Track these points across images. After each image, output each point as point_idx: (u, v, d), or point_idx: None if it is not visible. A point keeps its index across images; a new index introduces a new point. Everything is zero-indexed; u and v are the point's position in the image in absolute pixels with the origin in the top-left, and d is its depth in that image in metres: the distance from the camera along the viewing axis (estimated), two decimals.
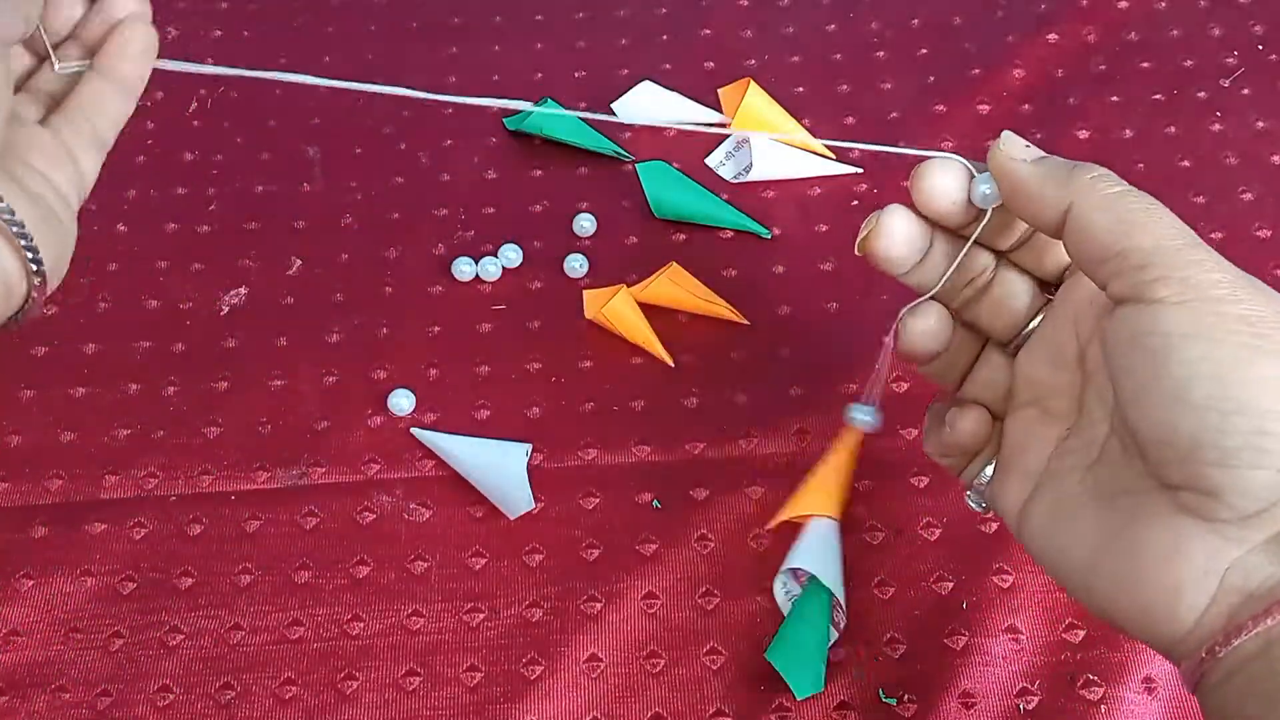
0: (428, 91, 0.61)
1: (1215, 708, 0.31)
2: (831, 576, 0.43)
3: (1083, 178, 0.34)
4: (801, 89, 0.61)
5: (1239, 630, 0.30)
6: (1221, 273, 0.32)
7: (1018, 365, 0.38)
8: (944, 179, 0.36)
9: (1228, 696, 0.30)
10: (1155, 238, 0.33)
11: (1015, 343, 0.38)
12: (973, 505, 0.40)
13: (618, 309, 0.51)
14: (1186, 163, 0.57)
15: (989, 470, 0.38)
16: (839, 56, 0.62)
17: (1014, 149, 0.35)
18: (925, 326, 0.37)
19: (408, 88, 0.62)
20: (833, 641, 0.43)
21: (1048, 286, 0.38)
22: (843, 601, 0.43)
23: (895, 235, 0.37)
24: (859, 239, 0.37)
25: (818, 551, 0.43)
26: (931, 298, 0.38)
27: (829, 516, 0.44)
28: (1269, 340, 0.30)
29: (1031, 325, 0.38)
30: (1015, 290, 0.38)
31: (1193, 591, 0.30)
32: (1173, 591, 0.31)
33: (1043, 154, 0.36)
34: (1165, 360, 0.31)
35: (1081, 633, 0.43)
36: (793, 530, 0.44)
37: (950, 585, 0.44)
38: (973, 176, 0.36)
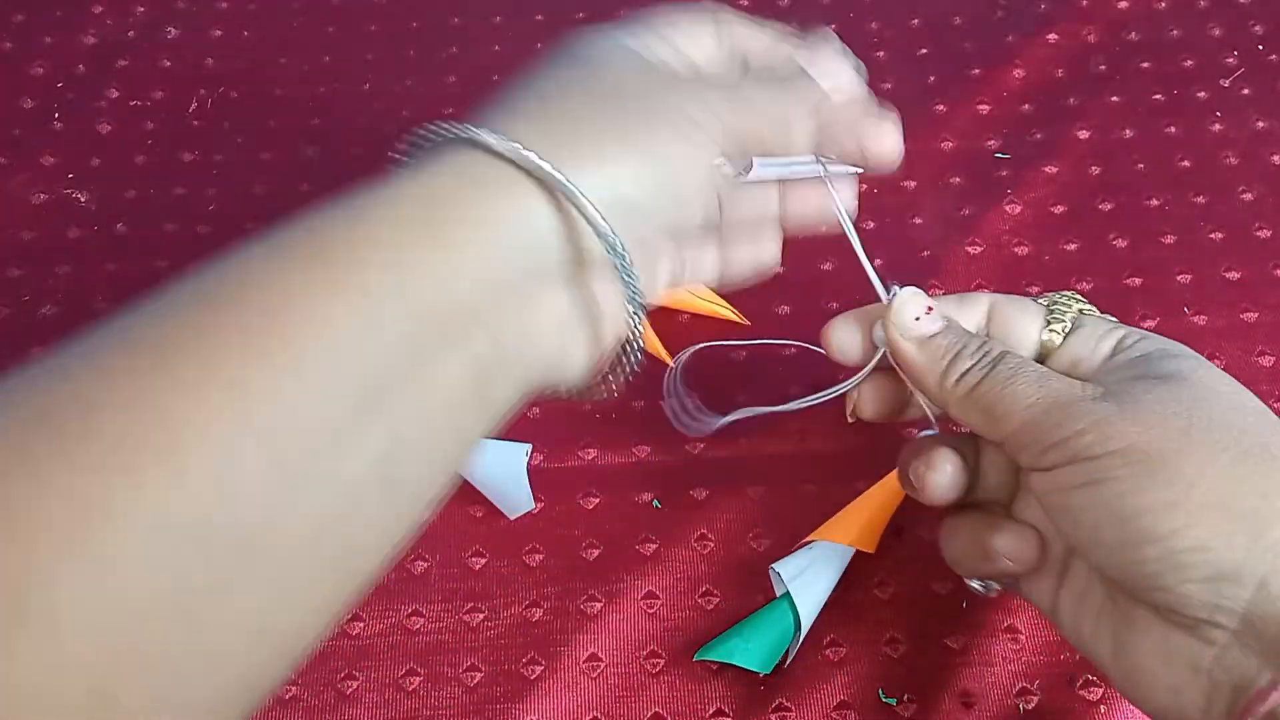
0: (429, 92, 0.61)
1: None
2: (810, 598, 0.42)
3: (949, 382, 0.36)
4: None
5: (1243, 716, 0.31)
6: (1090, 418, 0.33)
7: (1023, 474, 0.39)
8: (841, 336, 0.39)
9: None
10: (1017, 419, 0.34)
11: None
12: (978, 589, 0.40)
13: None
14: (1186, 163, 0.57)
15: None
16: None
17: (904, 319, 0.38)
18: (944, 479, 0.38)
19: (407, 88, 0.62)
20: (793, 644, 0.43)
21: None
22: (802, 632, 0.42)
23: (869, 406, 0.40)
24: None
25: (809, 569, 0.43)
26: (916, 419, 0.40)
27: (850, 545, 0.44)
28: (1142, 467, 0.32)
29: None
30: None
31: (1190, 691, 0.32)
32: (1175, 692, 0.32)
33: (935, 326, 0.37)
34: (1073, 516, 0.33)
35: None
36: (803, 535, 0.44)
37: (950, 585, 0.44)
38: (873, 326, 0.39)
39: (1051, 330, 0.38)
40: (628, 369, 0.34)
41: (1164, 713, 0.33)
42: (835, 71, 0.38)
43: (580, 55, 0.34)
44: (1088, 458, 0.33)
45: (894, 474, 0.43)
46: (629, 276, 0.32)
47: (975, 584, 0.40)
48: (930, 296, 0.38)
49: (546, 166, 0.30)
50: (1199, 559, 0.31)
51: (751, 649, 0.42)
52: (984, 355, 0.36)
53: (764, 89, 0.36)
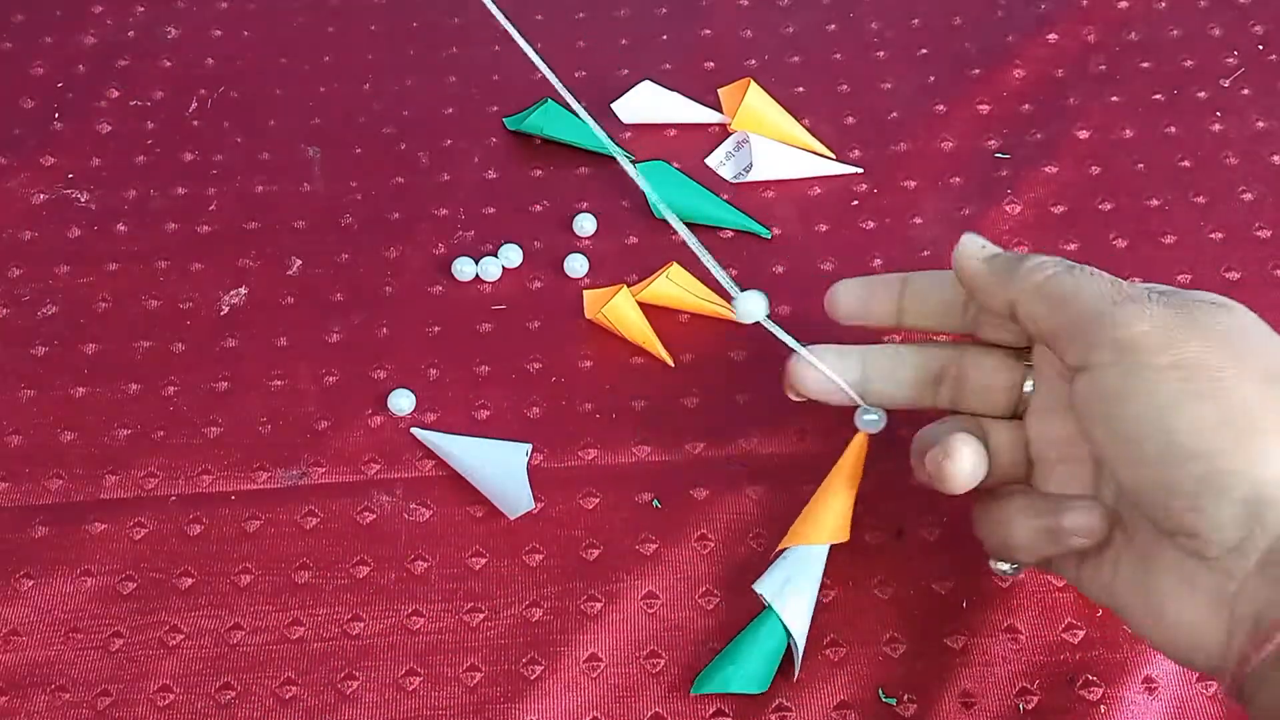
0: (429, 92, 0.61)
1: (1260, 710, 0.32)
2: (800, 609, 0.42)
3: (1019, 270, 0.37)
4: (801, 89, 0.61)
5: (1251, 655, 0.31)
6: (1149, 322, 0.34)
7: (1030, 431, 0.39)
8: (809, 375, 0.42)
9: (1269, 697, 0.31)
10: (1081, 308, 0.35)
11: (1019, 411, 0.40)
12: (1003, 571, 0.41)
13: (618, 309, 0.51)
14: (1186, 163, 0.57)
15: None
16: (839, 56, 0.62)
17: (971, 247, 0.39)
18: (965, 466, 0.38)
19: (407, 88, 0.62)
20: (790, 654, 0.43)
21: (1022, 352, 0.41)
22: (798, 646, 0.42)
23: (966, 468, 0.38)
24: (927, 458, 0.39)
25: (791, 582, 0.43)
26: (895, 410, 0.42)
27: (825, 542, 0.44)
28: (1197, 381, 0.32)
29: (1026, 389, 0.40)
30: (989, 366, 0.40)
31: (1212, 626, 0.32)
32: (1197, 627, 0.33)
33: (997, 251, 0.39)
34: (1114, 423, 0.33)
35: (1081, 633, 0.43)
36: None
37: (950, 585, 0.44)
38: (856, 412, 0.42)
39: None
40: None
41: (1188, 651, 0.33)
42: None
43: None
44: (1145, 362, 0.33)
45: (849, 459, 0.43)
46: None
47: (1004, 567, 0.41)
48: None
49: None
50: (1240, 481, 0.31)
51: (746, 673, 0.42)
52: (1053, 260, 0.37)
53: None
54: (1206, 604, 0.32)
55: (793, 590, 0.42)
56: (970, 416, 0.41)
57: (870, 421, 0.42)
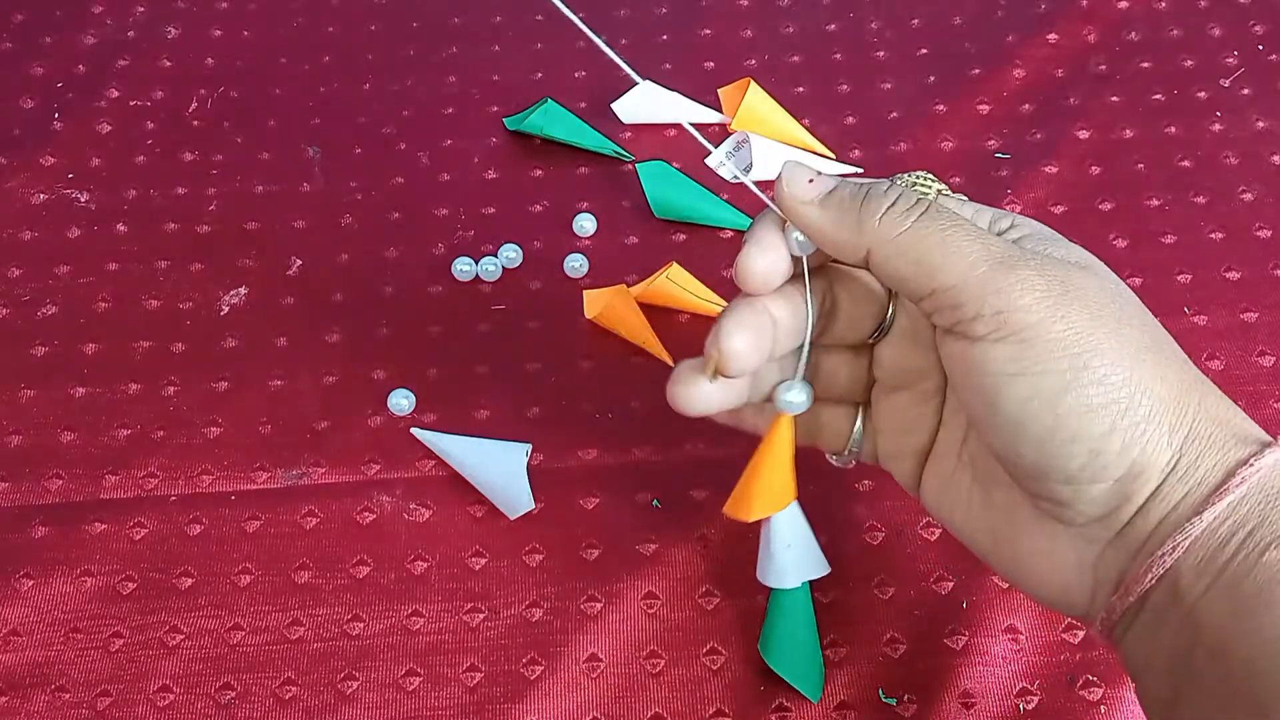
0: (429, 92, 0.61)
1: (1130, 650, 0.33)
2: (811, 561, 0.42)
3: (870, 221, 0.33)
4: (801, 89, 0.61)
5: (1116, 605, 0.33)
6: (1033, 293, 0.32)
7: (878, 354, 0.38)
8: (765, 262, 0.35)
9: (1138, 634, 0.33)
10: (958, 272, 0.32)
11: (873, 340, 0.38)
12: (833, 460, 0.41)
13: (618, 309, 0.51)
14: (1186, 163, 0.57)
15: (846, 449, 0.40)
16: (839, 56, 0.62)
17: (795, 187, 0.34)
18: (734, 351, 0.35)
19: (407, 88, 0.62)
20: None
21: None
22: (822, 561, 0.42)
23: (740, 355, 0.35)
24: (708, 368, 0.36)
25: (791, 553, 0.42)
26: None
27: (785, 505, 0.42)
28: (1087, 364, 0.31)
29: (888, 318, 0.38)
30: (861, 297, 0.37)
31: (1076, 587, 0.34)
32: (1060, 587, 0.34)
33: (830, 184, 0.34)
34: (997, 398, 0.32)
35: (1081, 633, 0.43)
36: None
37: (950, 585, 0.44)
38: (784, 227, 0.35)
39: (919, 189, 0.38)
40: None
41: (1054, 602, 0.35)
42: None
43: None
44: (1028, 339, 0.31)
45: (777, 442, 0.39)
46: None
47: (831, 458, 0.41)
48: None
49: None
50: (1119, 462, 0.31)
51: (799, 668, 0.42)
52: (905, 192, 0.34)
53: None
54: (1071, 566, 0.34)
55: (794, 558, 0.42)
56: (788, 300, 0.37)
57: (790, 403, 0.37)
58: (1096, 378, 0.31)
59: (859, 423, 0.40)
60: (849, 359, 0.39)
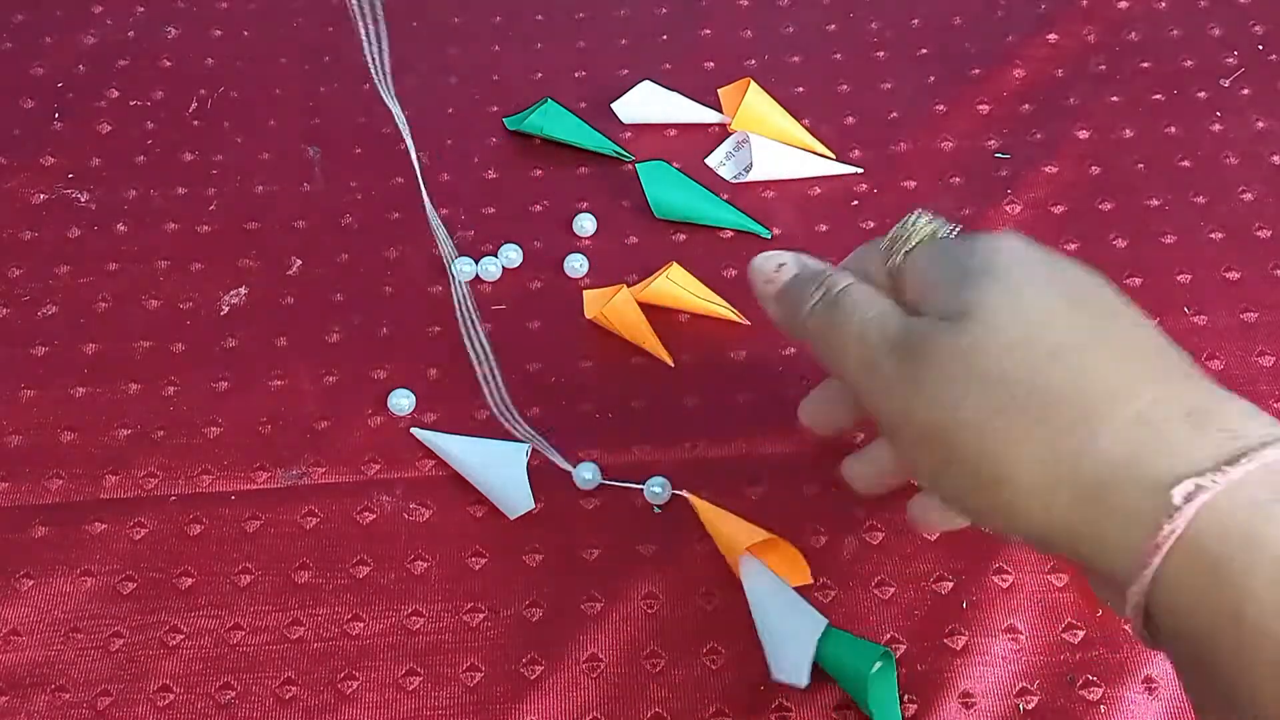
0: (429, 92, 0.61)
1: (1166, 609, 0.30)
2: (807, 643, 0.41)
3: (797, 322, 0.36)
4: (801, 89, 0.61)
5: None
6: (895, 400, 0.33)
7: None
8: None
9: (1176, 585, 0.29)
10: (849, 371, 0.35)
11: None
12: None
13: (618, 309, 0.51)
14: (1186, 163, 0.57)
15: None
16: (839, 56, 0.62)
17: (758, 282, 0.38)
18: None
19: (407, 88, 0.62)
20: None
21: None
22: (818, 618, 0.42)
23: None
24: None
25: (792, 640, 0.42)
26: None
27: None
28: (965, 466, 0.31)
29: None
30: None
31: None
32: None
33: (790, 274, 0.37)
34: (915, 471, 0.35)
35: (1081, 633, 0.43)
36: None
37: (950, 585, 0.44)
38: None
39: (890, 264, 0.37)
40: None
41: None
42: None
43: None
44: (903, 439, 0.33)
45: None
46: None
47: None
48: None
49: None
50: (1029, 521, 0.31)
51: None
52: (824, 291, 0.36)
53: None
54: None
55: (796, 639, 0.42)
56: None
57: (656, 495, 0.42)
58: (977, 482, 0.31)
59: None
60: None
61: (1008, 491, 0.31)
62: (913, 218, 0.38)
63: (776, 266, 0.37)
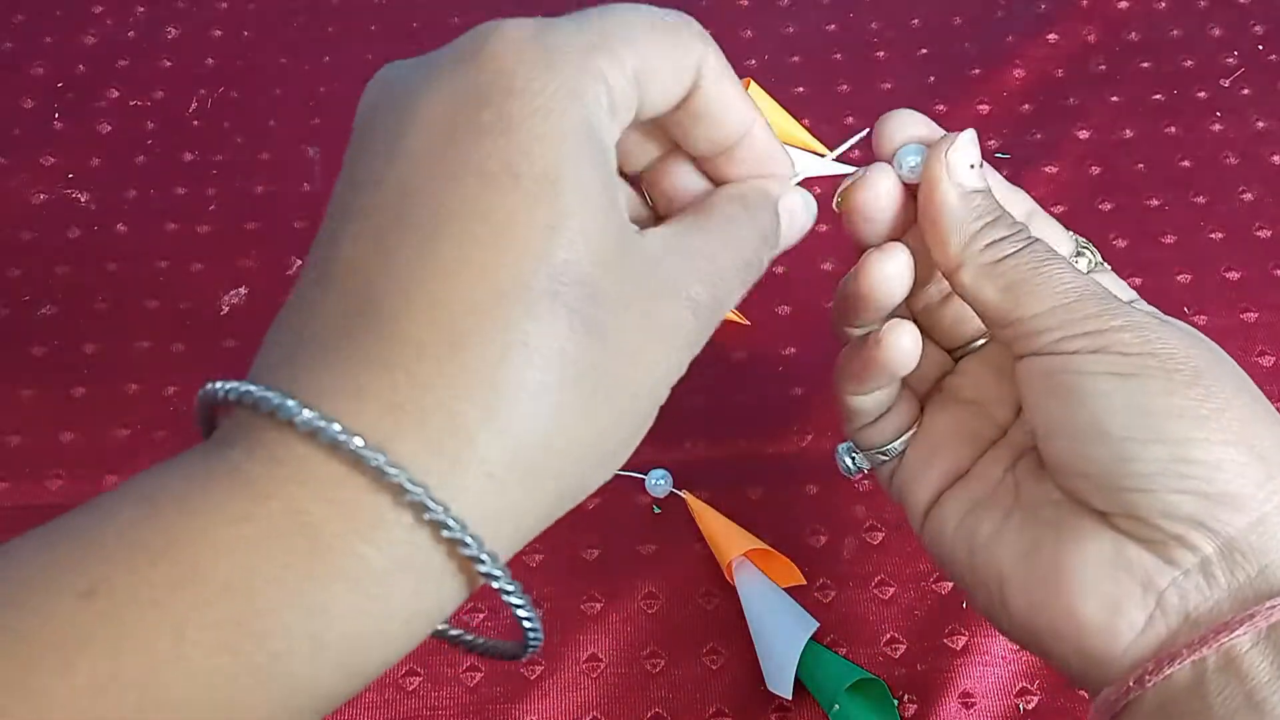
0: None
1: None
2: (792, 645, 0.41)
3: (978, 243, 0.32)
4: (801, 89, 0.61)
5: (1173, 658, 0.29)
6: (1125, 317, 0.31)
7: (963, 364, 0.37)
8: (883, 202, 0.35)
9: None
10: (1047, 301, 0.31)
11: (963, 351, 0.37)
12: (845, 465, 0.37)
13: None
14: (1186, 163, 0.57)
15: (892, 442, 0.36)
16: (839, 56, 0.62)
17: (958, 162, 0.33)
18: (893, 270, 0.33)
19: None
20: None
21: None
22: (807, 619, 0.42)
23: (881, 193, 0.34)
24: (840, 190, 0.35)
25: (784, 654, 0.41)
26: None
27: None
28: (1180, 372, 0.30)
29: (982, 341, 0.37)
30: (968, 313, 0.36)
31: (1132, 607, 0.30)
32: (1111, 606, 0.30)
33: (980, 183, 0.33)
34: (1080, 396, 0.31)
35: None
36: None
37: (950, 585, 0.44)
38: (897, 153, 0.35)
39: (1078, 260, 0.35)
40: (533, 645, 0.29)
41: (1083, 622, 0.30)
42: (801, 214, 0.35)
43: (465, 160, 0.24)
44: (1121, 352, 0.30)
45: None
46: (510, 590, 0.26)
47: (846, 457, 0.37)
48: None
49: (400, 478, 0.22)
50: (1209, 473, 0.29)
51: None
52: (1020, 231, 0.33)
53: (742, 261, 0.30)
54: (1133, 584, 0.30)
55: (783, 648, 0.41)
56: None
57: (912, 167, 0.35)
58: (1187, 389, 0.30)
59: (905, 425, 0.36)
60: (934, 357, 0.37)
61: (1223, 445, 0.30)
62: (1090, 244, 0.36)
63: (977, 162, 0.33)
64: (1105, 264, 0.37)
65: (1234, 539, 0.29)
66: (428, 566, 0.23)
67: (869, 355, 0.33)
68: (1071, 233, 0.36)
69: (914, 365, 0.33)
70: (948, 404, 0.36)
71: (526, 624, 0.27)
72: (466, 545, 0.23)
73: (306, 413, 0.22)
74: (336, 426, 0.22)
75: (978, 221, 0.33)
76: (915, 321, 0.34)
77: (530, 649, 0.28)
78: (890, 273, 0.33)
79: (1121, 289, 0.35)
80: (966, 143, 0.33)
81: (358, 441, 0.22)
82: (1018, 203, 0.35)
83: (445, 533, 0.23)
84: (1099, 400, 0.30)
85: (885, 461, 0.36)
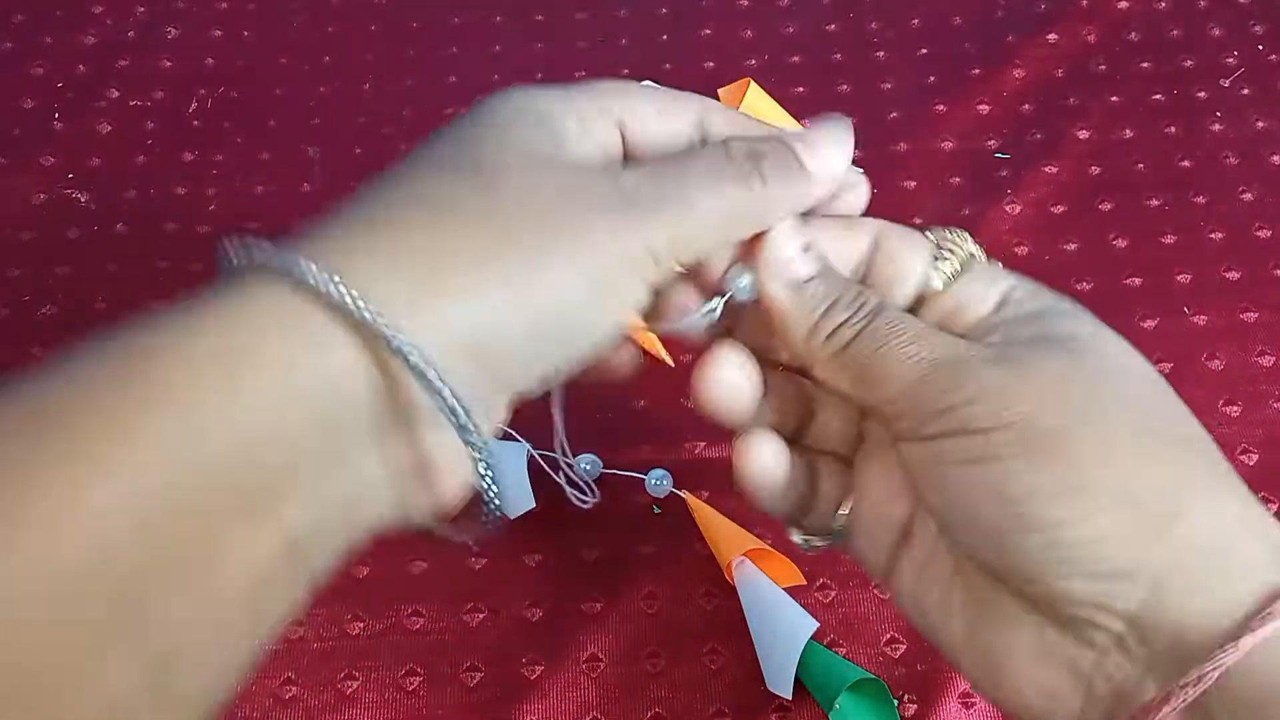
0: (429, 92, 0.61)
1: None
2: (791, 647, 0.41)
3: (818, 337, 0.31)
4: (801, 89, 0.61)
5: None
6: (976, 382, 0.29)
7: (861, 466, 0.34)
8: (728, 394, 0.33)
9: None
10: (894, 383, 0.30)
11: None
12: (800, 545, 0.35)
13: None
14: (1186, 163, 0.57)
15: (832, 524, 0.34)
16: (839, 56, 0.62)
17: (778, 258, 0.32)
18: (763, 468, 0.33)
19: (407, 88, 0.62)
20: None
21: None
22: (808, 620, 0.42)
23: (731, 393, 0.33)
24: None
25: (785, 655, 0.41)
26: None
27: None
28: (1037, 444, 0.28)
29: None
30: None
31: (1067, 693, 0.29)
32: (1048, 695, 0.29)
33: (814, 268, 0.32)
34: (950, 488, 0.29)
35: None
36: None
37: None
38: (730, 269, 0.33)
39: (938, 268, 0.33)
40: (488, 519, 0.28)
41: (1029, 705, 0.29)
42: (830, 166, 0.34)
43: (476, 145, 0.29)
44: (976, 430, 0.28)
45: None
46: (470, 434, 0.27)
47: (797, 537, 0.35)
48: (809, 222, 0.33)
49: (367, 314, 0.25)
50: (1091, 553, 0.27)
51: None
52: (859, 308, 0.31)
53: (718, 193, 0.31)
54: (1061, 670, 0.29)
55: (783, 648, 0.41)
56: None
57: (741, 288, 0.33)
58: (1048, 462, 0.28)
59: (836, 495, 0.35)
60: (843, 407, 0.35)
61: (1103, 513, 0.28)
62: (957, 231, 0.34)
63: (802, 246, 0.32)
64: (979, 252, 0.34)
65: (1136, 614, 0.27)
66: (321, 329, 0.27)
67: (736, 471, 0.33)
68: (934, 232, 0.34)
69: (781, 474, 0.33)
70: (874, 452, 0.34)
71: (475, 461, 0.28)
72: (364, 315, 0.26)
73: (302, 262, 0.27)
74: (314, 265, 0.27)
75: (814, 313, 0.31)
76: (814, 373, 0.32)
77: (491, 511, 0.28)
78: (762, 464, 0.33)
79: (993, 277, 0.32)
80: (786, 235, 0.32)
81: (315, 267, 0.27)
82: (864, 229, 0.34)
83: (323, 285, 0.27)
84: (967, 494, 0.29)
85: (834, 541, 0.35)
